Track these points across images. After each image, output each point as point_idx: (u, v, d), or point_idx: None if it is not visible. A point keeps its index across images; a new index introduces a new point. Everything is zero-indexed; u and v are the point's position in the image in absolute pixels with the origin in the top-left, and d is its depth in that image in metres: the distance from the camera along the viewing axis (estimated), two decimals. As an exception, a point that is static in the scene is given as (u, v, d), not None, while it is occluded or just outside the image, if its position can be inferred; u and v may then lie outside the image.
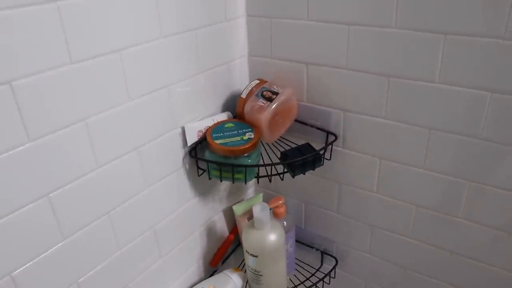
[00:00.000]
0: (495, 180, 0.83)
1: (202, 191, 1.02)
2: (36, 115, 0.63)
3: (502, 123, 0.77)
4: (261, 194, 1.14)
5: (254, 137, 0.89)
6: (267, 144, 1.01)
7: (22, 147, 0.62)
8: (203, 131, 0.92)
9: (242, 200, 1.17)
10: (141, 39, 0.76)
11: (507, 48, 0.72)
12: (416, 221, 0.97)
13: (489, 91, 0.76)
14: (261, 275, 0.97)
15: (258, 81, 0.97)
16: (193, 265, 1.08)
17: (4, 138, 0.60)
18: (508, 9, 0.70)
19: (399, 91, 0.86)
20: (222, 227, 1.15)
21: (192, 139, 0.91)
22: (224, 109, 1.01)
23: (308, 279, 1.13)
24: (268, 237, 0.92)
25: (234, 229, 1.17)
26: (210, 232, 1.10)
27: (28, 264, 0.68)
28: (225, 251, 1.15)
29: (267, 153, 0.99)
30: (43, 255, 0.70)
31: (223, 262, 1.17)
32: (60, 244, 0.72)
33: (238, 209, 1.08)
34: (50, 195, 0.68)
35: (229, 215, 1.15)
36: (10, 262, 0.65)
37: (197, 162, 0.94)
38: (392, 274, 1.08)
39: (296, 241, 1.16)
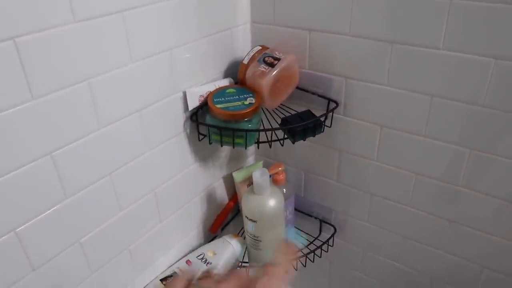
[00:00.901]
0: (496, 148, 0.83)
1: (203, 157, 1.03)
2: (39, 73, 0.63)
3: (505, 91, 0.77)
4: (261, 162, 1.15)
5: (255, 102, 0.89)
6: (268, 110, 1.01)
7: (25, 105, 0.62)
8: (205, 96, 0.92)
9: (242, 167, 1.18)
10: (144, 1, 0.75)
11: (511, 12, 0.71)
12: (416, 189, 0.98)
13: (493, 58, 0.76)
14: (260, 241, 0.98)
15: (261, 47, 0.97)
16: (193, 230, 1.09)
17: (7, 95, 0.60)
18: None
19: (402, 58, 0.85)
20: (222, 194, 1.16)
21: (193, 103, 0.91)
22: (226, 75, 1.00)
23: (306, 247, 1.15)
24: (267, 202, 0.93)
25: (234, 197, 1.18)
26: (210, 198, 1.11)
27: (32, 221, 0.69)
28: (224, 218, 1.17)
29: (268, 120, 0.99)
30: (46, 212, 0.71)
31: (222, 229, 1.18)
32: (63, 203, 0.73)
33: (238, 176, 1.09)
34: (53, 153, 0.69)
35: (229, 182, 1.16)
36: (14, 219, 0.66)
37: (198, 126, 0.94)
38: (391, 243, 1.10)
39: (295, 209, 1.17)
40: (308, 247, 1.14)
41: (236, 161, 1.17)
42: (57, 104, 0.67)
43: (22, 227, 0.68)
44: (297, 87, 1.00)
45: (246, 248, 1.06)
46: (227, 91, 0.93)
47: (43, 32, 0.62)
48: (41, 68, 0.63)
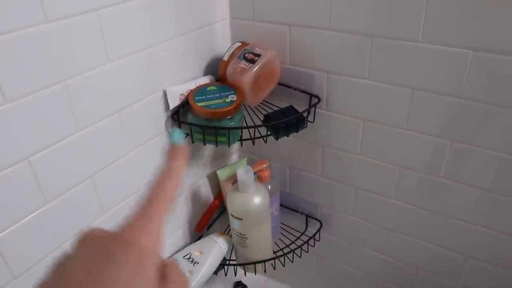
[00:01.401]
0: (477, 140, 0.84)
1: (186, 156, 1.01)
2: (11, 76, 0.61)
3: (484, 82, 0.78)
4: (245, 159, 1.15)
5: (236, 99, 0.88)
6: (251, 108, 1.00)
7: (-2, 109, 0.61)
8: (185, 94, 0.91)
9: (227, 165, 1.17)
10: (118, -1, 0.74)
11: (489, 5, 0.72)
12: (399, 182, 0.98)
13: (472, 49, 0.76)
14: (246, 238, 0.98)
15: (240, 44, 0.96)
16: (178, 230, 1.08)
17: (-22, 99, 0.58)
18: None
19: (382, 52, 0.85)
20: (207, 192, 1.15)
21: (174, 102, 0.90)
22: (206, 73, 0.99)
23: (293, 242, 1.15)
24: (253, 199, 0.93)
25: (219, 195, 1.18)
26: (195, 197, 1.10)
27: (10, 229, 0.67)
28: (210, 217, 1.16)
29: (250, 117, 0.99)
30: (26, 219, 0.69)
31: (208, 228, 1.17)
32: (42, 209, 0.71)
33: (223, 174, 1.08)
34: (30, 158, 0.67)
35: (214, 180, 1.15)
36: (-9, 226, 0.65)
37: (179, 125, 0.93)
38: (376, 236, 1.10)
39: (281, 205, 1.17)
40: (295, 242, 1.14)
41: (220, 159, 1.16)
42: (32, 107, 0.65)
43: (1, 235, 0.66)
44: (279, 83, 0.99)
45: (233, 246, 1.05)
46: (208, 89, 0.92)
47: (14, 33, 0.60)
48: (13, 71, 0.61)
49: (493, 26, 0.73)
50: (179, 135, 0.41)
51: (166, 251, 1.05)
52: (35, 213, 0.70)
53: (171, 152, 0.40)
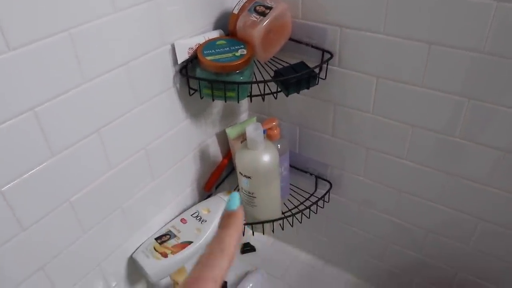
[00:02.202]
0: (497, 98, 0.80)
1: (195, 113, 1.00)
2: (15, 22, 0.59)
3: (507, 36, 0.74)
4: (254, 118, 1.13)
5: (246, 53, 0.86)
6: (261, 63, 0.97)
7: (2, 56, 0.59)
8: (194, 48, 0.88)
9: (236, 123, 1.15)
10: None
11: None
12: (412, 142, 0.96)
13: (496, 0, 0.72)
14: (254, 197, 0.97)
15: (251, -4, 0.92)
16: (186, 188, 1.07)
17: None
18: None
19: (398, 3, 0.81)
20: (215, 151, 1.14)
21: (182, 56, 0.87)
22: (216, 27, 0.96)
23: (302, 203, 1.14)
24: (262, 157, 0.91)
25: (228, 154, 1.16)
26: (204, 155, 1.09)
27: (17, 180, 0.66)
28: (218, 176, 1.15)
29: (261, 73, 0.96)
30: (32, 171, 0.68)
31: (216, 187, 1.17)
32: (49, 161, 0.70)
33: (232, 132, 1.06)
34: (36, 109, 0.66)
35: (223, 139, 1.13)
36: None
37: (188, 80, 0.91)
38: (386, 198, 1.09)
39: (290, 166, 1.15)
40: (304, 203, 1.13)
41: (229, 117, 1.14)
42: (37, 56, 0.63)
43: (8, 186, 0.65)
44: (290, 38, 0.96)
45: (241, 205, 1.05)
46: (217, 43, 0.89)
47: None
48: (17, 17, 0.59)
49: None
50: (235, 201, 0.39)
51: (174, 209, 1.05)
52: (42, 165, 0.70)
53: (226, 219, 0.38)
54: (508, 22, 0.73)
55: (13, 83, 0.61)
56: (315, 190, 1.20)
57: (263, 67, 0.97)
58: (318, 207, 1.13)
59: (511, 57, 0.75)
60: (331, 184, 1.17)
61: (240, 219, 0.39)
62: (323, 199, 1.14)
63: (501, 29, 0.74)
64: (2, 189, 0.65)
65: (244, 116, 1.21)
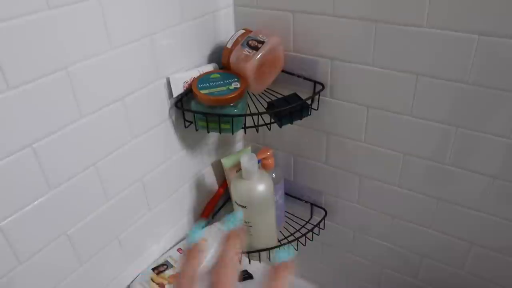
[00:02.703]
0: (483, 126, 0.83)
1: (190, 144, 1.02)
2: (14, 62, 0.61)
3: (489, 67, 0.77)
4: (249, 147, 1.15)
5: (240, 86, 0.88)
6: (254, 95, 1.00)
7: (1, 95, 0.61)
8: (189, 82, 0.91)
9: (231, 153, 1.17)
10: (121, -16, 0.73)
11: (495, -12, 0.71)
12: (404, 169, 0.98)
13: (477, 34, 0.75)
14: (250, 226, 0.98)
15: (244, 31, 0.96)
16: (183, 218, 1.08)
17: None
18: None
19: (386, 37, 0.84)
20: (211, 180, 1.15)
21: (177, 90, 0.90)
22: (210, 60, 0.99)
23: (298, 230, 1.15)
24: (257, 187, 0.93)
25: (224, 183, 1.18)
26: (200, 185, 1.10)
27: (16, 215, 0.68)
28: (215, 205, 1.16)
29: (254, 104, 0.98)
30: (30, 205, 0.70)
31: (213, 216, 1.18)
32: (47, 195, 0.72)
33: (227, 162, 1.08)
34: (34, 145, 0.67)
35: (218, 168, 1.15)
36: (-4, 212, 0.65)
37: (183, 113, 0.93)
38: (381, 224, 1.10)
39: (286, 193, 1.17)
40: (300, 230, 1.14)
41: (224, 147, 1.16)
42: (35, 94, 0.65)
43: (6, 221, 0.67)
44: (283, 70, 0.99)
45: (237, 234, 1.06)
46: (212, 76, 0.92)
47: (18, 19, 0.60)
48: (16, 57, 0.61)
49: (499, 10, 0.72)
50: (197, 234, 0.37)
51: (171, 239, 1.06)
52: (40, 199, 0.71)
53: (187, 254, 0.37)
54: (489, 54, 0.76)
55: (12, 121, 0.63)
56: (311, 217, 1.21)
57: (257, 99, 0.99)
58: (313, 234, 1.14)
59: (495, 87, 0.78)
60: (326, 211, 1.18)
61: (203, 251, 0.38)
62: (318, 226, 1.15)
63: (483, 60, 0.77)
64: (0, 224, 0.66)
65: (239, 145, 1.23)
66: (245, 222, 0.97)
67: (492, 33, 0.74)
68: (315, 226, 1.15)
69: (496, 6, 0.72)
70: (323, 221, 1.17)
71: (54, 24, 0.65)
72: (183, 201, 1.07)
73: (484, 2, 0.72)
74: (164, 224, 1.02)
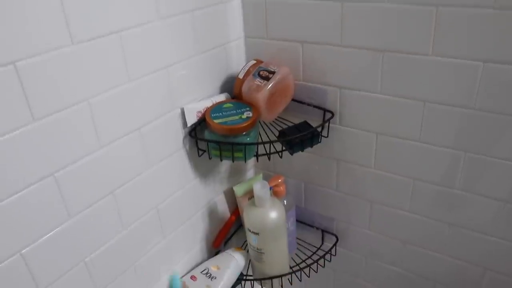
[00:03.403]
0: (491, 150, 0.85)
1: (203, 172, 1.04)
2: (40, 95, 0.64)
3: (494, 93, 0.79)
4: (261, 174, 1.16)
5: (252, 115, 0.91)
6: (266, 123, 1.03)
7: (26, 127, 0.64)
8: (202, 111, 0.94)
9: (243, 180, 1.19)
10: (139, 21, 0.77)
11: (497, 18, 0.74)
12: (414, 194, 0.99)
13: (481, 61, 0.78)
14: (263, 253, 0.99)
15: (255, 61, 0.99)
16: (196, 246, 1.09)
17: (9, 118, 0.62)
18: (497, -21, 0.71)
19: (393, 65, 0.87)
20: (223, 208, 1.17)
21: (191, 120, 0.93)
22: (222, 90, 1.02)
23: (309, 257, 1.15)
24: (269, 214, 0.94)
25: (236, 210, 1.19)
26: (212, 213, 1.12)
27: (37, 243, 0.70)
28: (227, 232, 1.17)
29: (266, 133, 1.01)
30: (51, 233, 0.72)
31: (225, 244, 1.19)
32: (66, 223, 0.74)
33: (239, 190, 1.10)
34: (55, 174, 0.70)
35: (230, 196, 1.17)
36: (19, 241, 0.67)
37: (197, 142, 0.95)
38: (392, 249, 1.10)
39: (297, 220, 1.18)
40: (312, 257, 1.15)
41: (236, 175, 1.18)
42: (58, 125, 0.68)
43: (27, 248, 0.68)
44: (293, 99, 1.02)
45: (250, 261, 1.06)
46: (224, 106, 0.94)
47: (43, 55, 0.63)
48: (40, 90, 0.64)
49: (502, 38, 0.75)
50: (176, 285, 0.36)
51: (184, 266, 1.07)
52: (60, 227, 0.73)
53: None
54: (494, 80, 0.78)
55: (36, 151, 0.66)
56: (322, 244, 1.22)
57: (268, 127, 1.02)
58: (325, 260, 1.15)
59: (501, 112, 0.80)
60: (337, 238, 1.19)
61: None
62: (330, 252, 1.16)
63: (488, 87, 0.79)
64: (22, 251, 0.68)
65: (250, 173, 1.25)
66: (258, 249, 0.99)
67: (496, 60, 0.77)
68: (326, 252, 1.15)
69: (498, 35, 0.75)
70: (334, 247, 1.17)
71: (77, 59, 0.68)
72: (196, 229, 1.08)
73: (487, 31, 0.75)
74: (178, 251, 1.03)
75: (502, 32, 0.74)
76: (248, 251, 1.06)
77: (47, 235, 0.71)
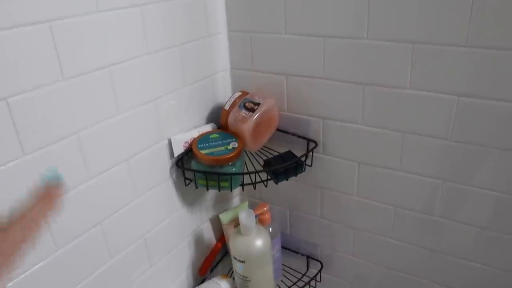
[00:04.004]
0: (468, 179, 0.88)
1: (190, 201, 1.05)
2: (30, 129, 0.66)
3: (469, 125, 0.83)
4: (246, 202, 1.18)
5: (238, 146, 0.93)
6: (251, 153, 1.05)
7: (16, 161, 0.65)
8: (189, 142, 0.96)
9: (228, 208, 1.20)
10: (128, 56, 0.80)
11: (469, 55, 0.78)
12: (396, 221, 1.02)
13: (456, 95, 0.82)
14: (249, 281, 1.00)
15: (241, 93, 1.02)
16: (182, 274, 1.10)
17: (1, 151, 0.63)
18: (468, 21, 0.76)
19: (373, 98, 0.91)
20: (209, 236, 1.18)
21: (178, 150, 0.95)
22: (208, 121, 1.05)
23: (295, 283, 1.17)
24: (255, 242, 0.96)
25: (222, 238, 1.20)
26: (198, 241, 1.13)
27: (24, 275, 0.70)
28: (213, 260, 1.18)
29: (251, 162, 1.03)
30: (38, 265, 0.72)
31: (211, 271, 1.19)
32: (54, 255, 0.74)
33: (225, 218, 1.11)
34: (44, 206, 0.71)
35: (216, 223, 1.18)
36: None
37: (184, 172, 0.97)
38: (376, 275, 1.12)
39: (282, 247, 1.19)
40: (297, 283, 1.16)
41: (222, 203, 1.20)
42: (48, 158, 0.70)
43: (13, 281, 0.69)
44: (278, 129, 1.05)
45: (236, 288, 1.07)
46: (211, 136, 0.97)
47: (34, 91, 0.65)
48: (31, 125, 0.66)
49: (474, 73, 0.79)
50: (56, 175, 0.35)
51: (170, 295, 1.07)
52: (47, 259, 0.73)
53: (43, 194, 0.35)
54: (469, 113, 0.82)
55: (26, 183, 0.67)
56: (307, 270, 1.23)
57: (253, 156, 1.04)
58: (310, 287, 1.16)
59: (475, 143, 0.84)
60: (322, 264, 1.20)
61: (58, 196, 0.35)
62: (315, 279, 1.17)
63: (463, 119, 0.83)
64: (9, 284, 0.68)
65: (236, 200, 1.27)
66: (244, 277, 1.00)
67: (470, 94, 0.81)
68: (311, 279, 1.16)
69: (471, 70, 0.79)
70: (319, 273, 1.19)
71: (68, 94, 0.70)
72: (183, 257, 1.09)
73: (460, 67, 0.79)
74: (164, 280, 1.04)
75: (474, 68, 0.79)
76: (234, 279, 1.07)
77: (34, 267, 0.72)
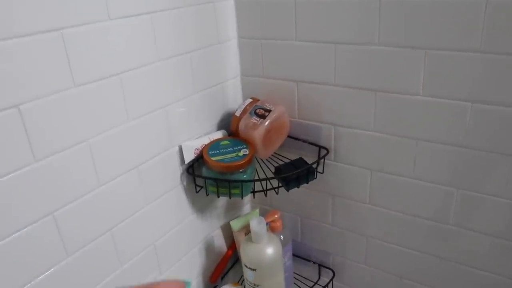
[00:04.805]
0: (482, 187, 0.87)
1: (200, 208, 1.05)
2: (42, 136, 0.66)
3: (483, 131, 0.82)
4: (257, 209, 1.17)
5: (249, 153, 0.93)
6: (262, 160, 1.04)
7: (28, 167, 0.66)
8: (200, 149, 0.96)
9: (239, 216, 1.20)
10: (139, 63, 0.80)
11: (483, 61, 0.77)
12: (409, 230, 1.00)
13: (470, 102, 0.81)
14: (260, 289, 0.99)
15: (251, 100, 1.02)
16: (193, 280, 1.10)
17: (11, 159, 0.63)
18: (481, 26, 0.75)
19: (386, 105, 0.90)
20: (220, 243, 1.17)
21: (189, 157, 0.94)
22: (219, 128, 1.04)
23: (306, 292, 1.15)
24: (266, 250, 0.95)
25: (232, 245, 1.20)
26: (209, 248, 1.12)
27: (34, 281, 0.70)
28: (224, 267, 1.18)
29: (262, 169, 1.03)
30: (48, 272, 0.72)
31: (222, 278, 1.19)
32: (64, 261, 0.75)
33: (236, 225, 1.11)
34: (55, 213, 0.71)
35: (227, 231, 1.18)
36: (17, 280, 0.68)
37: (194, 179, 0.97)
38: (388, 284, 1.11)
39: (294, 255, 1.18)
40: (308, 292, 1.15)
41: (232, 210, 1.19)
42: (59, 165, 0.70)
43: (26, 286, 0.69)
44: (289, 136, 1.04)
45: (247, 296, 1.06)
46: (222, 143, 0.96)
47: (45, 98, 0.66)
48: (43, 132, 0.67)
49: (488, 79, 0.78)
50: None
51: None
52: (58, 265, 0.74)
53: None
54: (483, 119, 0.81)
55: (37, 191, 0.68)
56: (319, 278, 1.22)
57: (264, 163, 1.04)
58: (322, 295, 1.15)
59: (490, 150, 0.83)
60: (334, 272, 1.19)
61: None
62: (327, 287, 1.16)
63: (477, 125, 0.82)
64: (20, 291, 0.69)
65: (247, 207, 1.26)
66: (255, 285, 0.99)
67: (484, 101, 0.79)
68: (323, 287, 1.15)
69: (484, 76, 0.78)
70: (331, 282, 1.17)
71: (79, 101, 0.71)
72: (193, 264, 1.08)
73: (474, 73, 0.78)
74: (175, 287, 1.03)
75: (488, 74, 0.77)
76: (244, 286, 1.06)
77: (45, 274, 0.72)
